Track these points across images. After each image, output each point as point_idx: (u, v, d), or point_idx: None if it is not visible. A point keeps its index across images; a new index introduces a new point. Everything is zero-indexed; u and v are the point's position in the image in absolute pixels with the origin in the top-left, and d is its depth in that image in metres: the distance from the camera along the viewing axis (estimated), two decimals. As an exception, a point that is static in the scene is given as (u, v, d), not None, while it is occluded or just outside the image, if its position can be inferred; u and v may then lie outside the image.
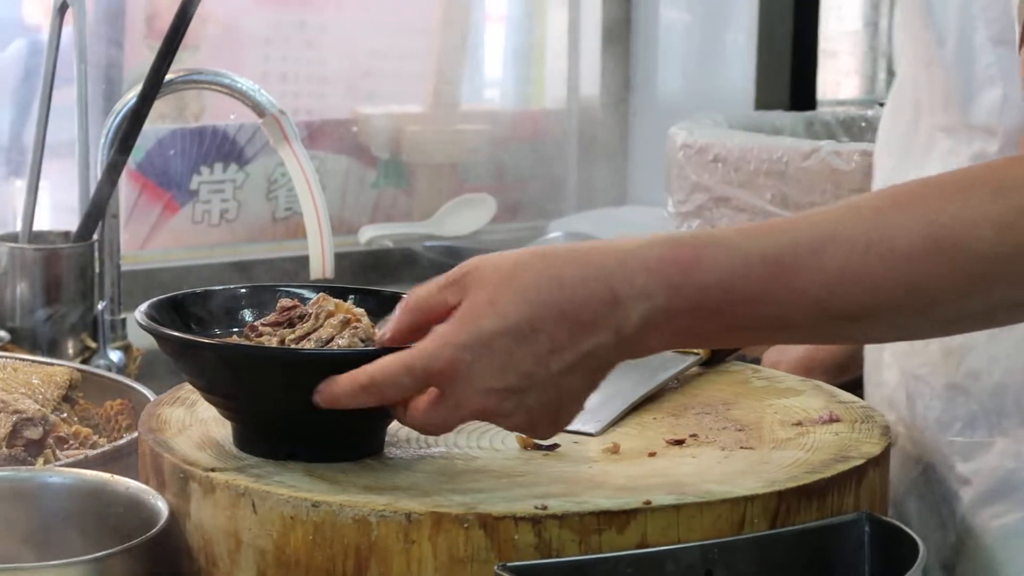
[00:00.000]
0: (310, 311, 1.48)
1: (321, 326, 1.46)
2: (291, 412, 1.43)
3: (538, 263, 1.27)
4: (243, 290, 1.61)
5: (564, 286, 1.26)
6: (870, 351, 1.72)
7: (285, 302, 1.51)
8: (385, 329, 1.38)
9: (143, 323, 1.48)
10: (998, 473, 1.56)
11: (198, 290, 1.60)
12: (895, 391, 1.67)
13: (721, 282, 1.26)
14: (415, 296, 1.34)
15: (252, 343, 1.48)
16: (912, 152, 1.58)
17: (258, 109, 2.15)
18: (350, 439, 1.47)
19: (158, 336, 1.47)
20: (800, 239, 1.27)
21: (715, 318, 1.29)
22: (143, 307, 1.51)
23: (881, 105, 2.32)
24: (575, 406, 1.34)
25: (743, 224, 1.43)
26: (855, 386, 1.80)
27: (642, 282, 1.25)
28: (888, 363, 1.68)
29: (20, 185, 3.93)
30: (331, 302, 1.48)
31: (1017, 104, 1.44)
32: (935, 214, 1.26)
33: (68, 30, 2.65)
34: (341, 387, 1.33)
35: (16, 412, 1.67)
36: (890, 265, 1.27)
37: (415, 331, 1.34)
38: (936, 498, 1.63)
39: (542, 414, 1.32)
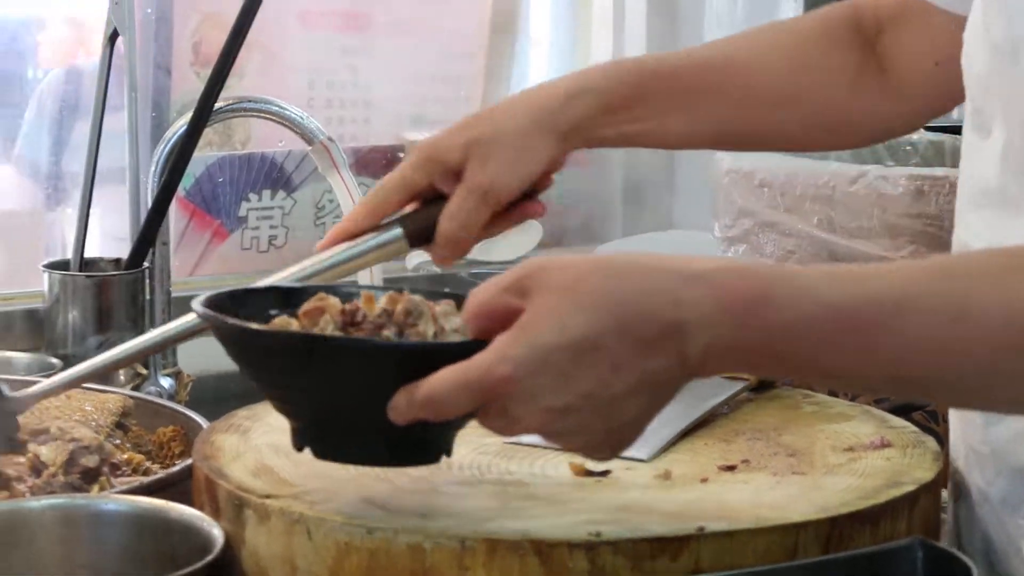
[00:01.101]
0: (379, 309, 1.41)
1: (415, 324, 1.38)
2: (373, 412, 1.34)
3: (602, 272, 1.22)
4: (300, 287, 1.55)
5: (628, 301, 1.20)
6: None
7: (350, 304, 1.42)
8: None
9: (203, 312, 1.43)
10: None
11: (255, 286, 1.57)
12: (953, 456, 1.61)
13: (790, 326, 1.20)
14: (476, 301, 1.28)
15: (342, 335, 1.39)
16: (1004, 202, 1.47)
17: (307, 137, 2.16)
18: (425, 440, 1.40)
19: (222, 325, 1.40)
20: (883, 295, 1.21)
21: (779, 360, 1.25)
22: (201, 300, 1.44)
23: (927, 129, 2.33)
24: (636, 429, 1.29)
25: (820, 266, 1.36)
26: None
27: (708, 310, 1.19)
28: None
29: (62, 213, 3.95)
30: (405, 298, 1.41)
31: None
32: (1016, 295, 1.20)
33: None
34: (402, 401, 1.28)
35: (73, 440, 1.67)
36: (976, 340, 1.20)
37: (485, 334, 1.28)
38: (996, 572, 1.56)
39: (602, 437, 1.27)
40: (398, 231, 1.65)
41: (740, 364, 1.28)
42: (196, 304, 1.42)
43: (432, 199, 1.65)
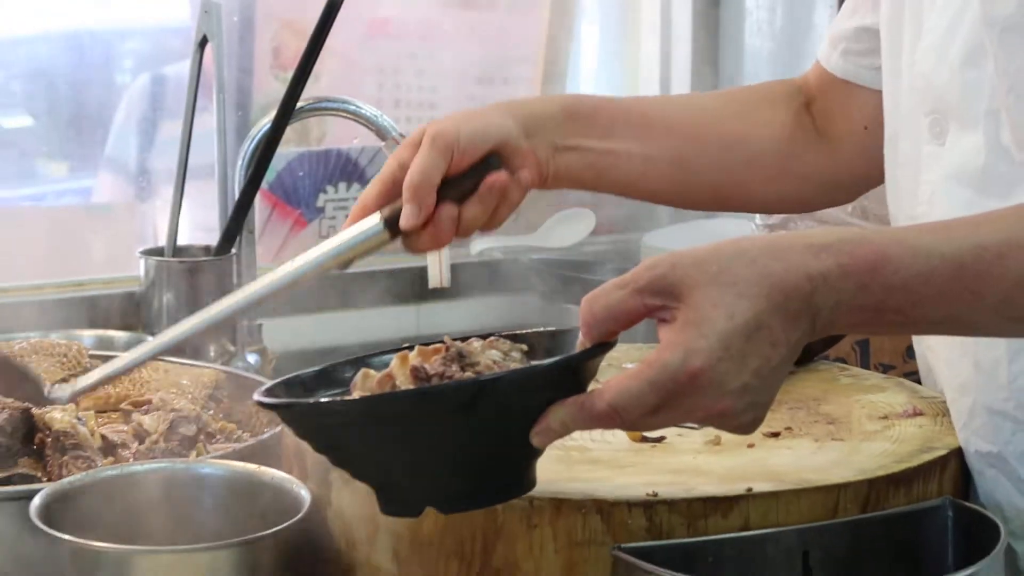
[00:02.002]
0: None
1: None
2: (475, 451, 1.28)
3: (742, 260, 1.20)
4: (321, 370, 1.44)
5: (776, 281, 1.19)
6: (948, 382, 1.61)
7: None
8: (581, 341, 1.27)
9: (276, 404, 1.33)
10: None
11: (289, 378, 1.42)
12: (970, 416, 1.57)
13: (907, 283, 1.21)
14: (602, 303, 1.23)
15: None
16: (991, 185, 1.48)
17: (380, 133, 2.17)
18: (512, 474, 1.33)
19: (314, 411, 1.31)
20: (985, 242, 1.22)
21: (895, 314, 1.25)
22: (266, 392, 1.35)
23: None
24: (775, 396, 1.27)
25: (931, 224, 1.33)
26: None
27: (835, 277, 1.20)
28: (962, 391, 1.57)
29: (152, 205, 3.97)
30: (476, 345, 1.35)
31: None
32: None
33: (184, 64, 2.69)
34: (563, 417, 1.23)
35: (173, 410, 1.69)
36: None
37: (610, 337, 1.26)
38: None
39: (762, 409, 1.25)
40: (377, 222, 1.56)
41: (863, 322, 1.27)
42: (263, 397, 1.34)
43: None
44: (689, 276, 1.19)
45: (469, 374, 1.28)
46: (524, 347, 1.35)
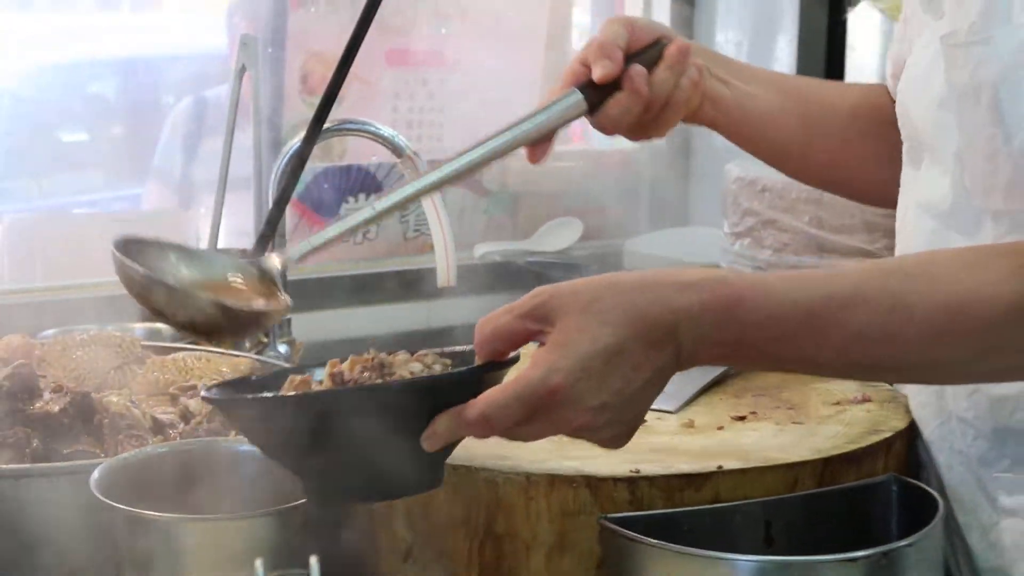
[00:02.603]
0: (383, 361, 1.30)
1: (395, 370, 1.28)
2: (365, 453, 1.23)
3: (612, 291, 1.19)
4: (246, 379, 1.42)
5: (639, 312, 1.17)
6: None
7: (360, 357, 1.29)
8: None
9: (214, 398, 1.30)
10: None
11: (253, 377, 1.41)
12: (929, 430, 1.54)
13: (760, 323, 1.19)
14: (490, 326, 1.22)
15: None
16: (956, 222, 1.43)
17: (396, 151, 2.16)
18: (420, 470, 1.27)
19: (244, 404, 1.28)
20: (833, 292, 1.20)
21: (751, 350, 1.23)
22: (208, 393, 1.32)
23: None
24: (643, 416, 1.25)
25: (787, 273, 1.33)
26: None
27: (696, 313, 1.18)
28: (923, 404, 1.55)
29: (194, 213, 3.97)
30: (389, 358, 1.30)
31: None
32: (956, 285, 1.20)
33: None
34: (446, 425, 1.20)
35: (216, 395, 1.69)
36: (908, 328, 1.20)
37: (498, 356, 1.24)
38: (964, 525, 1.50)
39: (624, 427, 1.23)
40: (577, 94, 1.49)
41: (722, 356, 1.26)
42: (207, 393, 1.32)
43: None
44: (563, 304, 1.18)
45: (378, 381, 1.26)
46: (448, 362, 1.30)
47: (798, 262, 2.09)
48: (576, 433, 1.23)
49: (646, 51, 1.52)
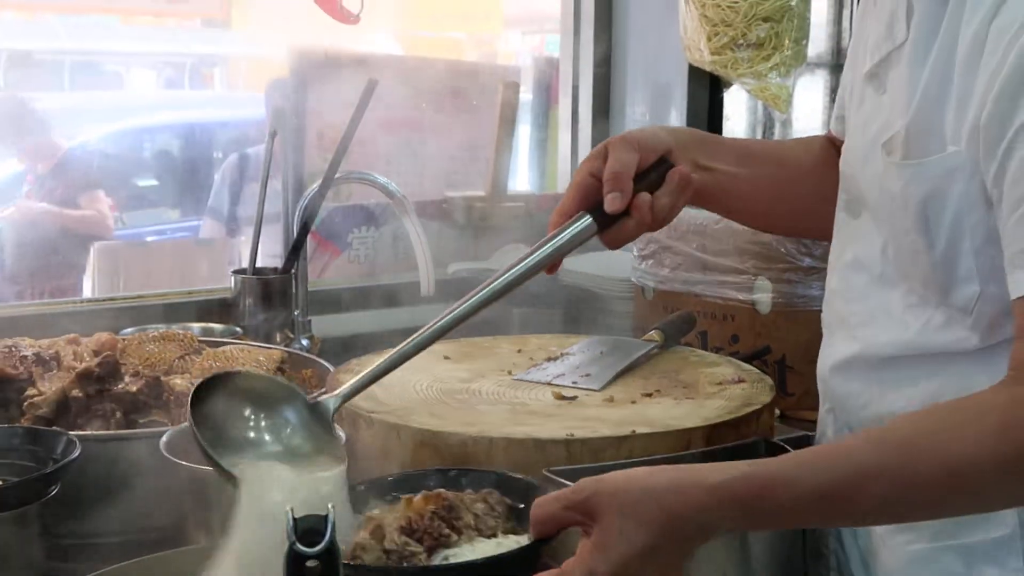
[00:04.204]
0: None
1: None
2: None
3: (648, 496, 1.03)
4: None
5: (673, 517, 1.02)
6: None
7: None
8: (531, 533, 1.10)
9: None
10: None
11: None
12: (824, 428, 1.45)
13: (782, 511, 1.05)
14: (545, 512, 1.07)
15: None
16: (884, 282, 1.31)
17: (389, 194, 2.14)
18: None
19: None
20: (844, 474, 1.03)
21: (771, 527, 1.15)
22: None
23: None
24: None
25: (803, 455, 1.09)
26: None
27: (727, 511, 1.03)
28: (826, 411, 1.45)
29: (238, 241, 3.94)
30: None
31: (990, 298, 1.19)
32: (946, 454, 1.03)
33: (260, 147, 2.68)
34: None
35: (254, 378, 1.67)
36: (919, 500, 1.05)
37: (549, 534, 1.09)
38: None
39: None
40: (585, 217, 1.32)
41: (739, 530, 1.13)
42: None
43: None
44: (604, 503, 1.04)
45: (447, 529, 1.12)
46: (508, 500, 1.20)
47: (688, 277, 2.07)
48: None
49: (652, 171, 1.35)
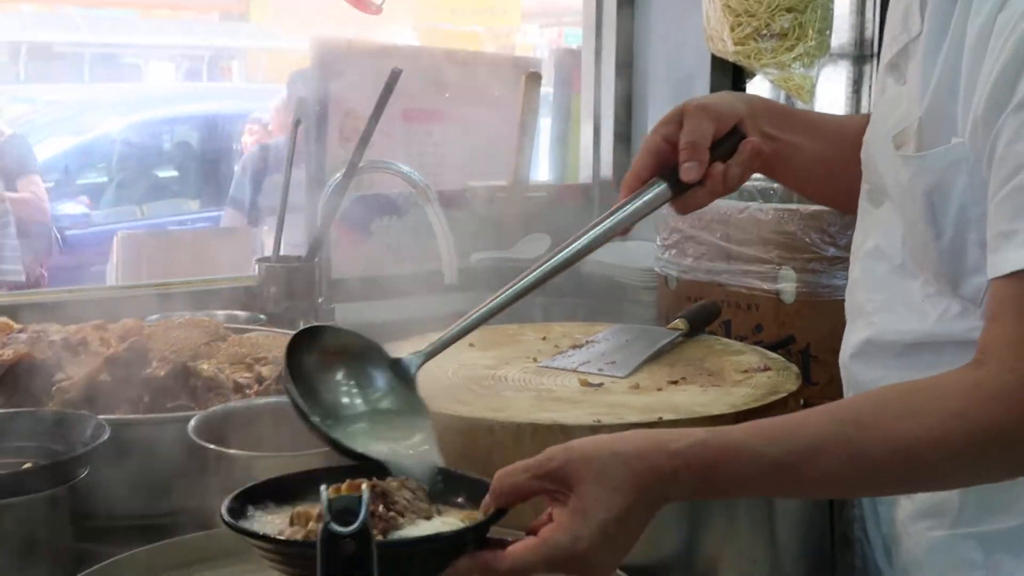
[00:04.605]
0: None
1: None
2: None
3: (617, 460, 1.04)
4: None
5: (639, 480, 1.04)
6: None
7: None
8: (486, 506, 1.08)
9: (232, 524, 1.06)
10: (934, 498, 1.30)
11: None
12: None
13: (732, 479, 1.06)
14: (510, 482, 1.07)
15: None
16: (903, 272, 1.31)
17: (412, 183, 2.15)
18: None
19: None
20: (795, 447, 1.05)
21: (727, 495, 1.14)
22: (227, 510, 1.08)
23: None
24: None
25: (756, 425, 1.09)
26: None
27: (683, 478, 1.04)
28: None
29: (260, 231, 3.96)
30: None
31: None
32: (905, 433, 1.04)
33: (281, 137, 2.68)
34: (468, 567, 1.04)
35: (281, 364, 1.66)
36: (865, 471, 1.06)
37: (510, 506, 1.08)
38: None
39: (619, 563, 1.08)
40: (661, 183, 1.32)
41: (700, 496, 1.11)
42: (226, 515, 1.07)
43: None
44: (578, 472, 1.04)
45: (391, 513, 1.08)
46: (425, 485, 1.14)
47: (711, 267, 2.07)
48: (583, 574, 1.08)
49: (726, 140, 1.35)
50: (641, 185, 1.33)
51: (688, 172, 1.31)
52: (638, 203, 1.32)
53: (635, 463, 1.04)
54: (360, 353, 1.24)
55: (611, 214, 1.31)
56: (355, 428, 1.19)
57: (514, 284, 1.29)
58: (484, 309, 1.29)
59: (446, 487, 1.15)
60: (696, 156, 1.32)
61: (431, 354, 1.27)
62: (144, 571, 1.22)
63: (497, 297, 1.28)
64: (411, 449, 1.16)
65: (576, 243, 1.30)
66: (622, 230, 1.32)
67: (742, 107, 1.38)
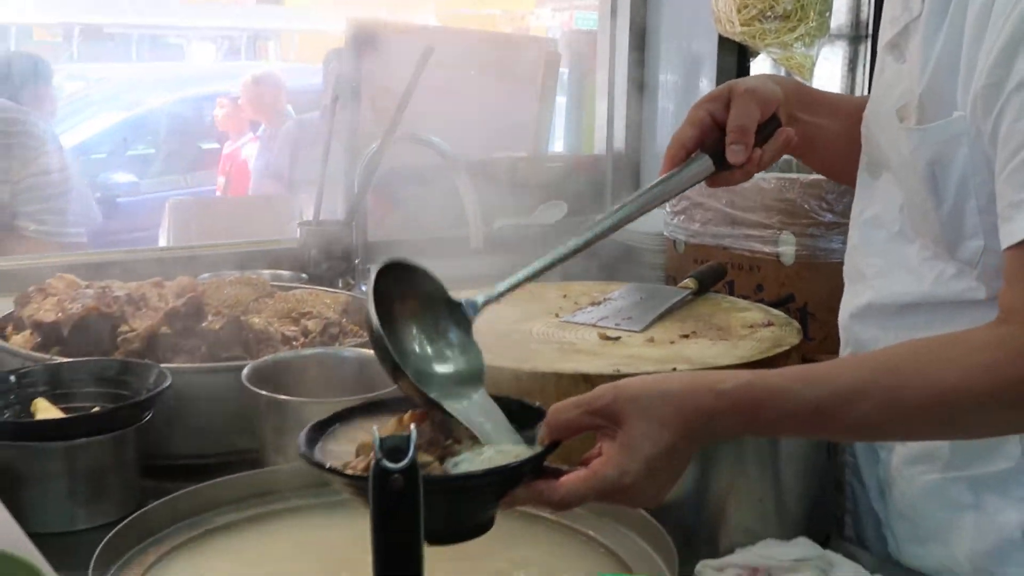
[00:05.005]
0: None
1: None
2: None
3: (664, 399, 1.03)
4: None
5: (686, 417, 1.02)
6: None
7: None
8: (541, 438, 1.06)
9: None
10: (926, 445, 1.31)
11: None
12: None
13: (776, 420, 1.05)
14: (563, 417, 1.05)
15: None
16: (900, 239, 1.32)
17: (443, 154, 2.15)
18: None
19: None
20: (837, 389, 1.04)
21: (769, 433, 1.15)
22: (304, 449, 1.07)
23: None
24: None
25: (799, 370, 1.10)
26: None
27: (729, 416, 1.03)
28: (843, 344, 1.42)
29: (297, 197, 3.97)
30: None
31: (993, 252, 1.17)
32: (940, 382, 1.03)
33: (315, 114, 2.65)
34: (526, 496, 1.03)
35: (325, 319, 1.68)
36: (901, 417, 1.04)
37: (565, 439, 1.06)
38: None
39: (663, 495, 1.06)
40: (706, 159, 1.31)
41: (743, 434, 1.12)
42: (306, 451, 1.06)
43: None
44: (626, 408, 1.03)
45: (449, 440, 1.07)
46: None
47: (717, 231, 2.07)
48: (629, 505, 1.10)
49: (767, 126, 1.34)
50: (686, 156, 1.32)
51: (735, 154, 1.31)
52: (686, 174, 1.31)
53: (681, 402, 1.03)
54: (428, 295, 1.18)
55: (661, 182, 1.30)
56: (425, 371, 1.14)
57: (574, 240, 1.25)
58: (545, 260, 1.25)
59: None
60: (744, 139, 1.31)
61: (492, 298, 1.23)
62: (204, 504, 1.24)
63: (556, 251, 1.25)
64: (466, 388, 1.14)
65: (628, 206, 1.28)
66: (670, 197, 1.32)
67: (779, 92, 1.36)
